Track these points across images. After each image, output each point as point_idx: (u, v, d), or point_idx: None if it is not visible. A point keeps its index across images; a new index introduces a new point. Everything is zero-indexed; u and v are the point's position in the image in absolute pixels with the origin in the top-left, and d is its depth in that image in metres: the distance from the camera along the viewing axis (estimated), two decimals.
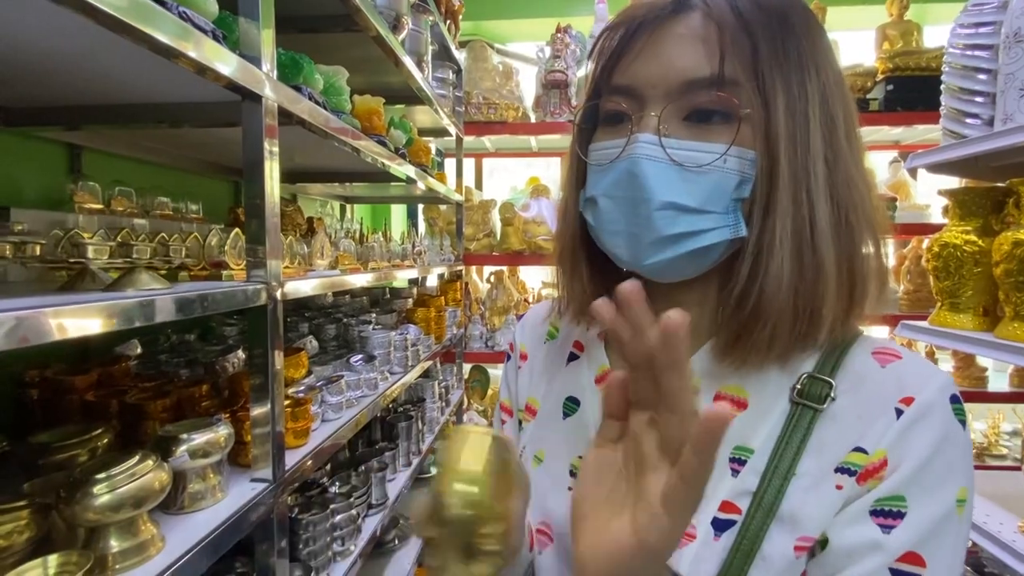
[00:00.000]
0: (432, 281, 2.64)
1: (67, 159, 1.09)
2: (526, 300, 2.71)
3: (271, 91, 0.78)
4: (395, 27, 1.39)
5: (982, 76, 1.15)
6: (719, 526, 0.41)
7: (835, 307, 0.41)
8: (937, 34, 2.43)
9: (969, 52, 1.17)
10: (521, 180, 3.09)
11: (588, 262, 0.51)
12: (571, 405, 0.52)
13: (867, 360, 0.43)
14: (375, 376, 1.30)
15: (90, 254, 0.58)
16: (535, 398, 0.56)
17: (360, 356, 1.33)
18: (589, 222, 0.47)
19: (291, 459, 0.89)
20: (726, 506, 0.41)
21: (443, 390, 2.14)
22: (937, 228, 1.39)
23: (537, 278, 2.99)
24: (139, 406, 0.82)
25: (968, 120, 1.18)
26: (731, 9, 0.41)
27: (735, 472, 0.42)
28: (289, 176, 1.71)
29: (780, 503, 0.39)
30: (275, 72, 0.80)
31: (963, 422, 0.40)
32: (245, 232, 0.80)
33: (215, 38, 0.67)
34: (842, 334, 0.43)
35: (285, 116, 0.83)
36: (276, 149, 0.79)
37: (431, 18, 1.79)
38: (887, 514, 0.38)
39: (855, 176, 0.42)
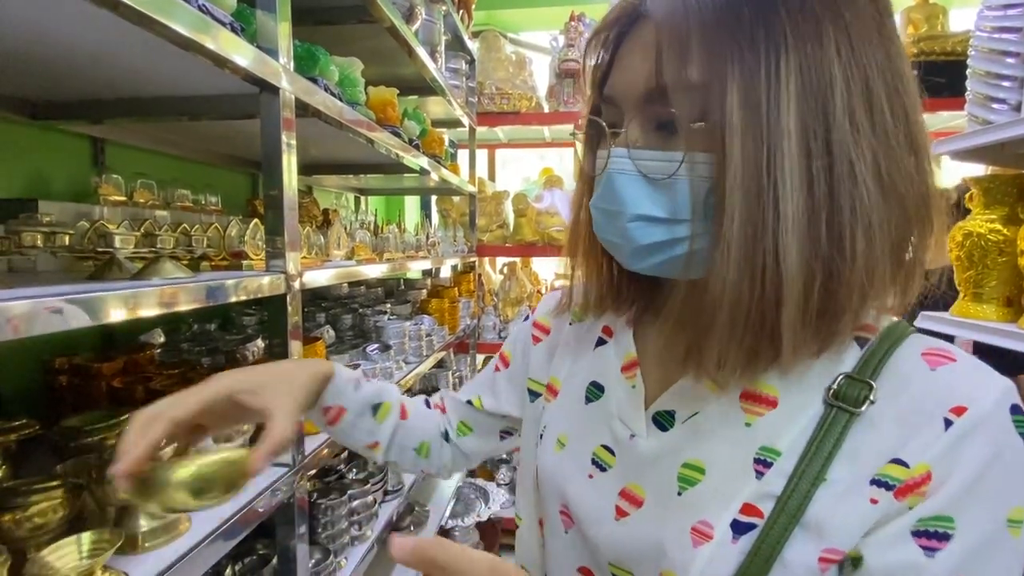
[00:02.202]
0: (446, 272, 2.65)
1: (91, 152, 1.11)
2: (539, 291, 2.72)
3: (288, 83, 0.79)
4: (408, 17, 1.39)
5: (1010, 60, 1.11)
6: (739, 528, 0.39)
7: (798, 315, 0.36)
8: (963, 17, 2.35)
9: (997, 35, 1.13)
10: (534, 171, 3.08)
11: (598, 259, 0.51)
12: (594, 391, 0.52)
13: (916, 361, 0.39)
14: (391, 365, 1.31)
15: (117, 244, 0.60)
16: (557, 378, 0.56)
17: (376, 345, 1.35)
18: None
19: (310, 445, 0.92)
20: (748, 509, 0.39)
21: (457, 380, 2.16)
22: (961, 216, 1.36)
23: (550, 269, 2.99)
24: (164, 392, 0.84)
25: (995, 105, 1.15)
26: (674, 9, 0.38)
27: (759, 474, 0.39)
28: (305, 168, 1.73)
29: (806, 509, 0.37)
30: (292, 64, 0.81)
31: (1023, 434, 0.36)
32: (264, 223, 0.81)
33: (233, 30, 0.68)
34: (889, 329, 0.40)
35: (301, 108, 0.84)
36: (293, 141, 0.80)
37: (444, 8, 1.78)
38: (931, 535, 0.35)
39: (877, 159, 0.36)
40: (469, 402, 0.64)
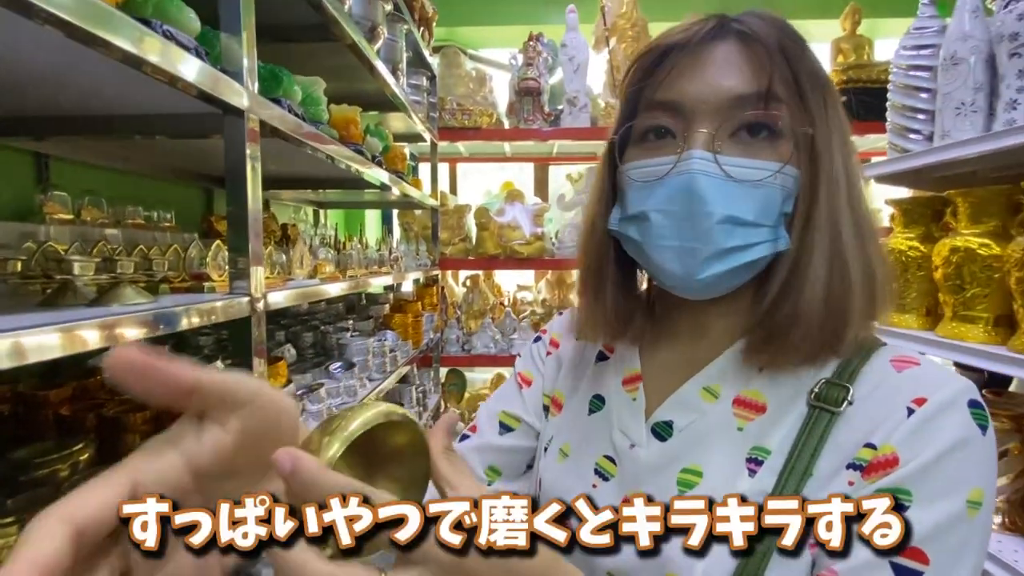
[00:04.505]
0: (408, 286, 2.64)
1: (34, 168, 1.06)
2: (502, 303, 2.75)
3: (253, 105, 0.79)
4: (371, 37, 1.40)
5: (923, 95, 1.24)
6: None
7: (860, 309, 0.43)
8: (888, 47, 2.58)
9: (911, 72, 1.26)
10: (495, 183, 3.12)
11: (614, 281, 0.51)
12: (597, 403, 0.54)
13: (885, 367, 0.44)
14: (354, 383, 1.31)
15: (76, 271, 0.59)
16: (561, 392, 0.57)
17: (339, 364, 1.34)
18: (633, 238, 0.47)
19: None
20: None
21: (420, 395, 2.15)
22: (885, 234, 1.49)
23: (513, 282, 3.02)
24: (117, 419, 0.82)
25: (911, 136, 1.27)
26: (768, 34, 0.44)
27: (752, 472, 0.42)
28: (262, 183, 1.70)
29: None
30: (256, 86, 0.82)
31: (984, 427, 0.39)
32: (226, 244, 0.81)
33: (198, 55, 0.68)
34: (862, 342, 0.45)
35: (265, 128, 0.84)
36: (259, 164, 0.80)
37: (406, 27, 1.80)
38: None
39: (863, 190, 0.46)
40: (502, 425, 0.59)
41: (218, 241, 0.83)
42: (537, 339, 0.64)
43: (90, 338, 0.52)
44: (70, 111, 0.86)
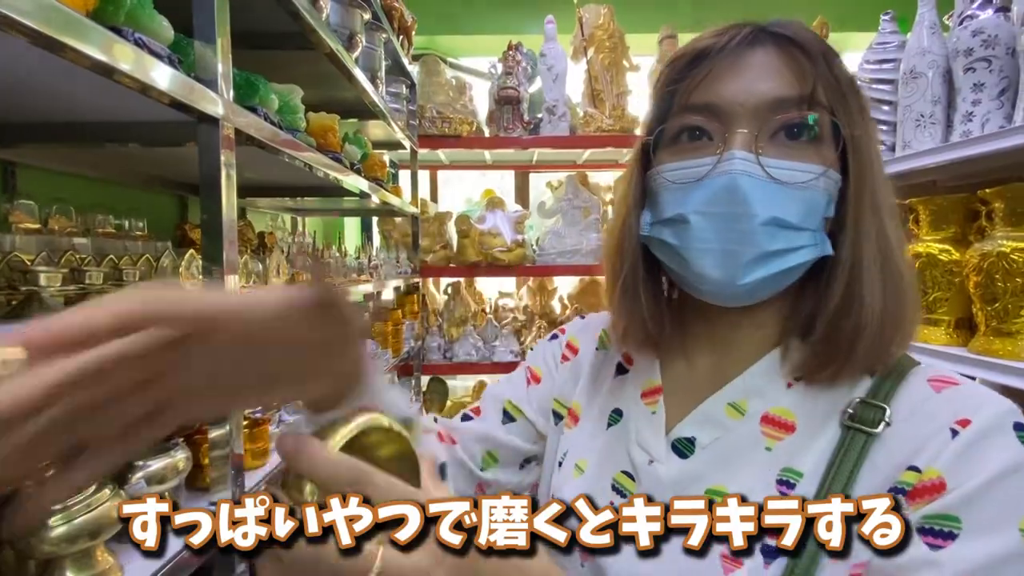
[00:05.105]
0: (388, 294, 2.63)
1: (0, 176, 1.03)
2: (483, 310, 2.75)
3: (228, 113, 0.78)
4: (349, 45, 1.40)
5: (885, 107, 1.29)
6: (769, 553, 0.38)
7: (911, 321, 0.42)
8: (855, 60, 2.67)
9: (874, 86, 1.31)
10: (475, 191, 3.13)
11: (646, 287, 0.50)
12: (615, 416, 0.52)
13: (922, 387, 0.42)
14: None
15: (42, 282, 0.57)
16: (579, 404, 0.55)
17: None
18: (668, 242, 0.45)
19: (250, 480, 0.89)
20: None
21: None
22: None
23: (494, 288, 3.03)
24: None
25: None
26: (810, 39, 0.43)
27: (784, 495, 0.40)
28: (239, 191, 1.67)
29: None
30: (231, 94, 0.81)
31: None
32: (200, 254, 0.80)
33: (171, 63, 0.67)
34: (897, 360, 0.43)
35: (240, 137, 0.83)
36: (233, 173, 0.79)
37: (384, 36, 1.81)
38: (936, 533, 0.36)
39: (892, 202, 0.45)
40: (506, 413, 0.57)
41: (191, 250, 0.82)
42: (553, 336, 0.62)
43: None
44: (38, 118, 0.85)
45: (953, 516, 0.36)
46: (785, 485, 0.41)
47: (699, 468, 0.44)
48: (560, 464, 0.53)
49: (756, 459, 0.43)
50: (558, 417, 0.56)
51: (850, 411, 0.42)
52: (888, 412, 0.41)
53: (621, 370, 0.54)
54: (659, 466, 0.46)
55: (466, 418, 0.59)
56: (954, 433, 0.38)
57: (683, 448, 0.46)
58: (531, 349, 0.63)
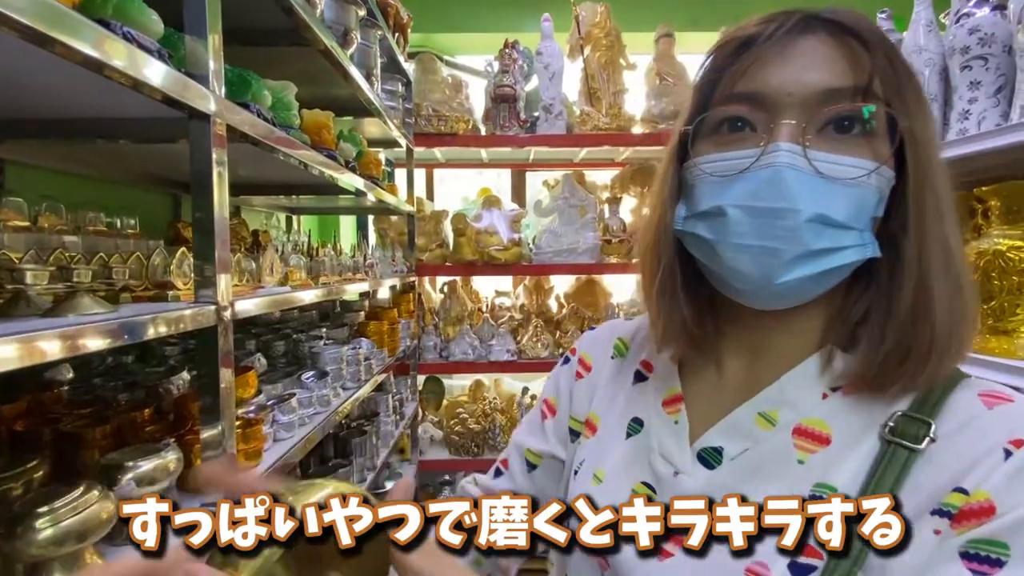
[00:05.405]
0: (384, 293, 2.62)
1: None
2: (480, 309, 2.74)
3: (220, 109, 0.77)
4: (344, 42, 1.39)
5: None
6: (798, 572, 0.36)
7: (972, 330, 0.40)
8: None
9: None
10: (472, 189, 3.12)
11: (684, 284, 0.47)
12: (635, 426, 0.50)
13: (973, 402, 0.39)
14: (327, 393, 1.28)
15: (29, 280, 0.56)
16: (596, 414, 0.53)
17: (311, 373, 1.31)
18: (703, 236, 0.43)
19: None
20: (807, 550, 0.36)
21: (397, 403, 2.13)
22: None
23: (490, 287, 3.02)
24: (76, 434, 0.79)
25: None
26: (867, 27, 0.40)
27: None
28: (233, 189, 1.66)
29: (868, 550, 0.33)
30: (223, 90, 0.80)
31: None
32: (192, 251, 0.79)
33: (161, 58, 0.66)
34: (947, 372, 0.41)
35: (232, 133, 0.82)
36: (225, 170, 0.78)
37: (380, 32, 1.80)
38: (982, 560, 0.33)
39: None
40: (528, 463, 0.57)
41: (183, 248, 0.81)
42: (566, 360, 0.60)
43: (49, 349, 0.49)
44: (27, 114, 0.83)
45: (1001, 542, 0.34)
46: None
47: (726, 480, 0.42)
48: (576, 473, 0.51)
49: (788, 472, 0.41)
50: (575, 434, 0.55)
51: (891, 424, 0.39)
52: (933, 427, 0.38)
53: (640, 377, 0.53)
54: (684, 478, 0.44)
55: (498, 473, 0.60)
56: (1008, 454, 0.35)
57: (710, 458, 0.44)
58: (548, 378, 0.61)
